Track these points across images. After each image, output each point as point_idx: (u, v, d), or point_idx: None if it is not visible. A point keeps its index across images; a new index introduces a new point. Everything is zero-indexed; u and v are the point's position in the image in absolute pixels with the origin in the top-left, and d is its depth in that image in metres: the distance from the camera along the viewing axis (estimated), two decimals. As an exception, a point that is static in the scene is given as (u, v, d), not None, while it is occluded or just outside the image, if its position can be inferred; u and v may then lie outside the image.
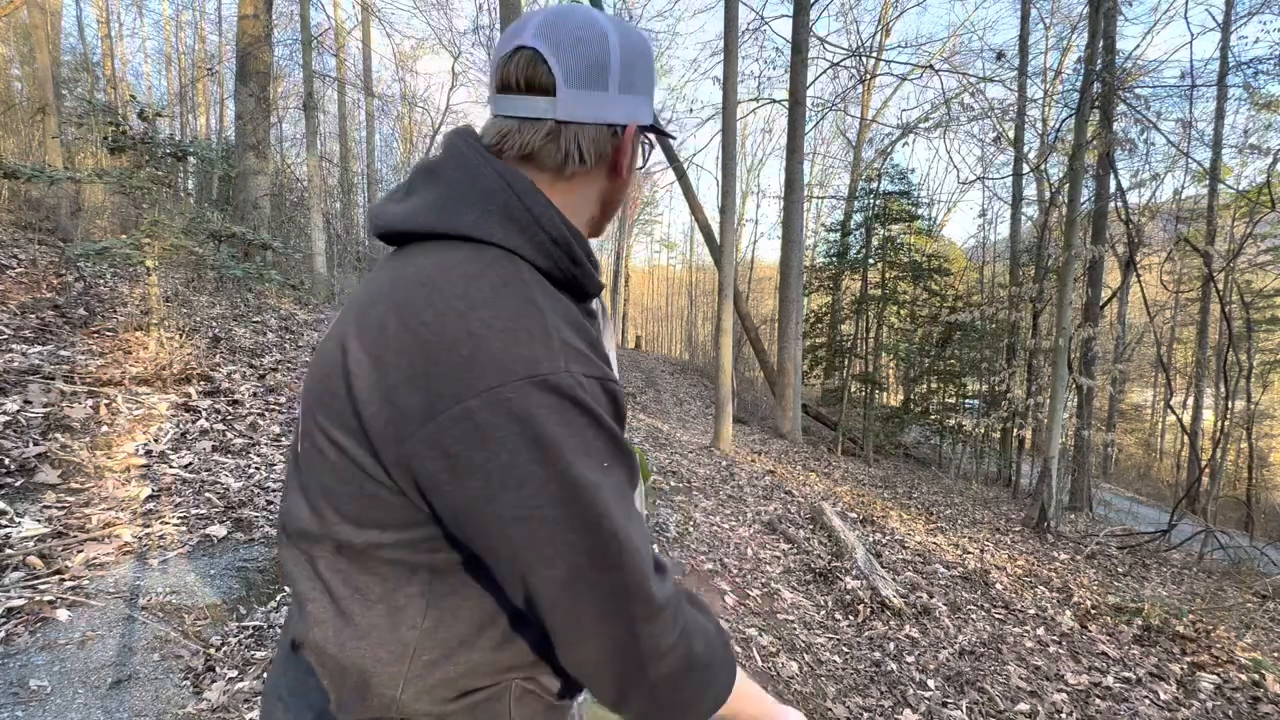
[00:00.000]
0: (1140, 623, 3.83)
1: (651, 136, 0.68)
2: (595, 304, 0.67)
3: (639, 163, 0.68)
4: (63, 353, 3.57)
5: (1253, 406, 9.12)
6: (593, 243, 0.68)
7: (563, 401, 0.48)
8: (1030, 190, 13.40)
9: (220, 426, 3.58)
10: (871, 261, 12.27)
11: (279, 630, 2.11)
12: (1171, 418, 15.50)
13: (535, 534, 0.48)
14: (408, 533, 0.53)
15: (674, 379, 15.78)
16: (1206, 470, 9.30)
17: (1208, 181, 11.50)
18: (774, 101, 15.39)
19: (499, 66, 0.59)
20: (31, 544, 2.17)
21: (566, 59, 0.57)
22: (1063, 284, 7.04)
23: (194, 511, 2.72)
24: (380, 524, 0.53)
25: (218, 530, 2.63)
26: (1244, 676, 3.24)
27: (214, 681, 1.81)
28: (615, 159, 0.63)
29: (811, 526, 5.09)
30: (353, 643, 0.54)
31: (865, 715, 2.53)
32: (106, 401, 3.29)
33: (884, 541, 5.06)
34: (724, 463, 6.88)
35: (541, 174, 0.60)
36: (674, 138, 0.70)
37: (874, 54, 16.36)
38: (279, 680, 0.62)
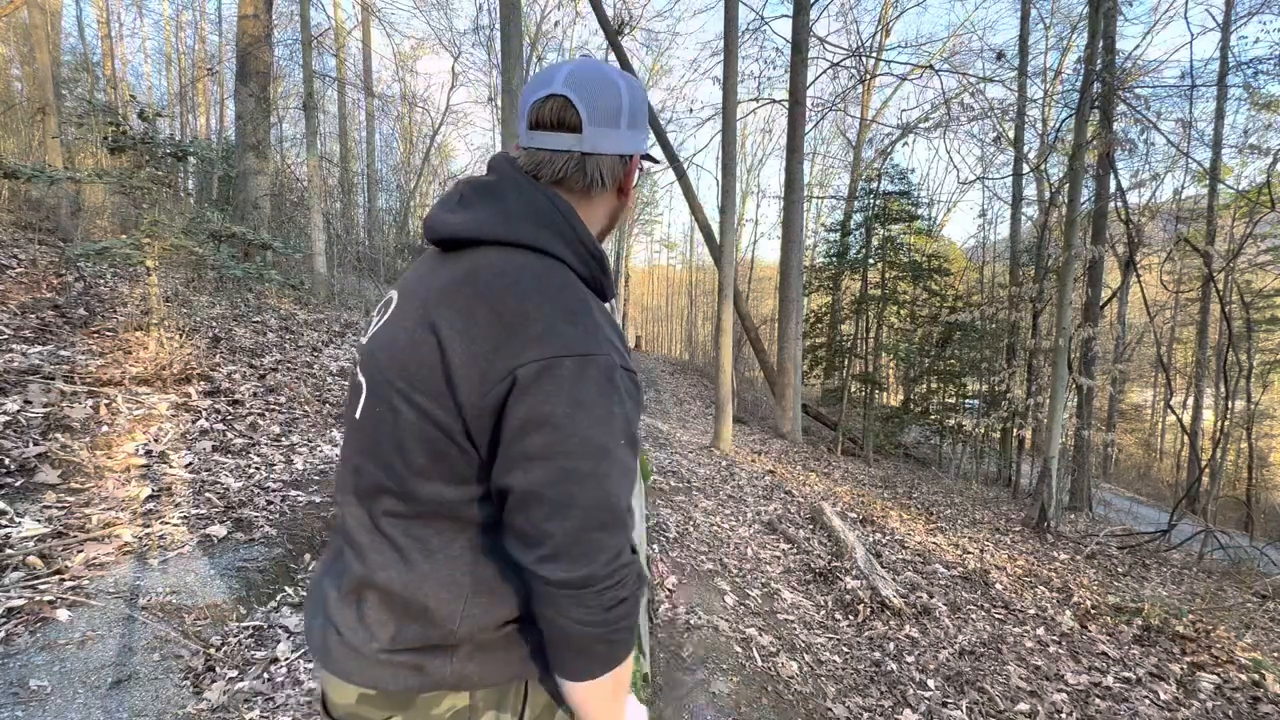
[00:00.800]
0: (1140, 623, 3.83)
1: (645, 163, 0.85)
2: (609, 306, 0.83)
3: (634, 181, 0.84)
4: (63, 353, 3.57)
5: (1253, 406, 9.11)
6: None
7: (602, 378, 0.63)
8: (1030, 190, 13.41)
9: (220, 426, 3.58)
10: (871, 261, 12.26)
11: (279, 630, 2.11)
12: (1171, 418, 15.50)
13: (551, 475, 0.60)
14: (465, 489, 0.66)
15: (674, 379, 15.79)
16: (1206, 470, 9.30)
17: (1208, 181, 11.50)
18: (774, 101, 15.36)
19: (533, 108, 0.73)
20: (31, 544, 2.17)
21: (590, 104, 0.71)
22: (1063, 284, 7.03)
23: (194, 511, 2.72)
24: (444, 477, 0.66)
25: (218, 530, 2.63)
26: (1244, 676, 3.24)
27: (214, 681, 1.81)
28: (624, 182, 0.80)
29: (811, 526, 5.09)
30: (416, 584, 0.67)
31: (865, 715, 2.53)
32: (106, 401, 3.29)
33: (884, 541, 5.06)
34: (724, 463, 6.88)
35: (571, 195, 0.76)
36: (659, 162, 0.80)
37: (874, 54, 16.34)
38: (334, 617, 0.72)
